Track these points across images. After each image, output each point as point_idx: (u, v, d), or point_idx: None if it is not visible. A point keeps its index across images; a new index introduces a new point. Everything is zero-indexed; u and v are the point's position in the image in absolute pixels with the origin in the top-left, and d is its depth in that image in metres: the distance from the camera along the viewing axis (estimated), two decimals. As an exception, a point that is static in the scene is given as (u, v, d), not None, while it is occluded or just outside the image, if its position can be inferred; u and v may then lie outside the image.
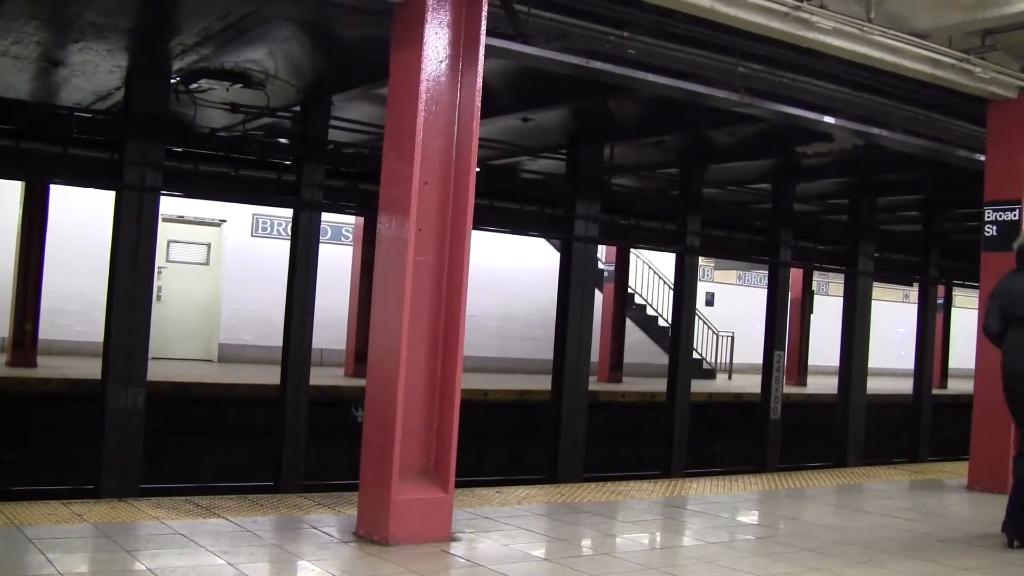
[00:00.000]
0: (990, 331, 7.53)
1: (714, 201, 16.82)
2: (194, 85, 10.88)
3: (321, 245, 11.62)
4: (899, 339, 27.23)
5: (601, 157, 13.61)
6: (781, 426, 15.68)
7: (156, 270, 10.53)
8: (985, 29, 9.22)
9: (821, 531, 7.56)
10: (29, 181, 15.05)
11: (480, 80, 6.61)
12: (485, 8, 6.65)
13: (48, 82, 11.30)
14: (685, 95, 9.72)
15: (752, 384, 17.94)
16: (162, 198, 10.41)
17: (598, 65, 8.98)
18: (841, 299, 17.05)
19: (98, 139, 10.93)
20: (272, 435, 11.46)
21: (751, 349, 20.41)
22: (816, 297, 24.91)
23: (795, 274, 21.23)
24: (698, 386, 17.21)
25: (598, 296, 18.75)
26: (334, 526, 6.80)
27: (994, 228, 10.02)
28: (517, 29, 8.27)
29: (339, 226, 20.33)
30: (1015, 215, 9.88)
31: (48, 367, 14.99)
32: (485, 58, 6.68)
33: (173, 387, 13.74)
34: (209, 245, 20.01)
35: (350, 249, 19.33)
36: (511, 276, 22.24)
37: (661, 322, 24.10)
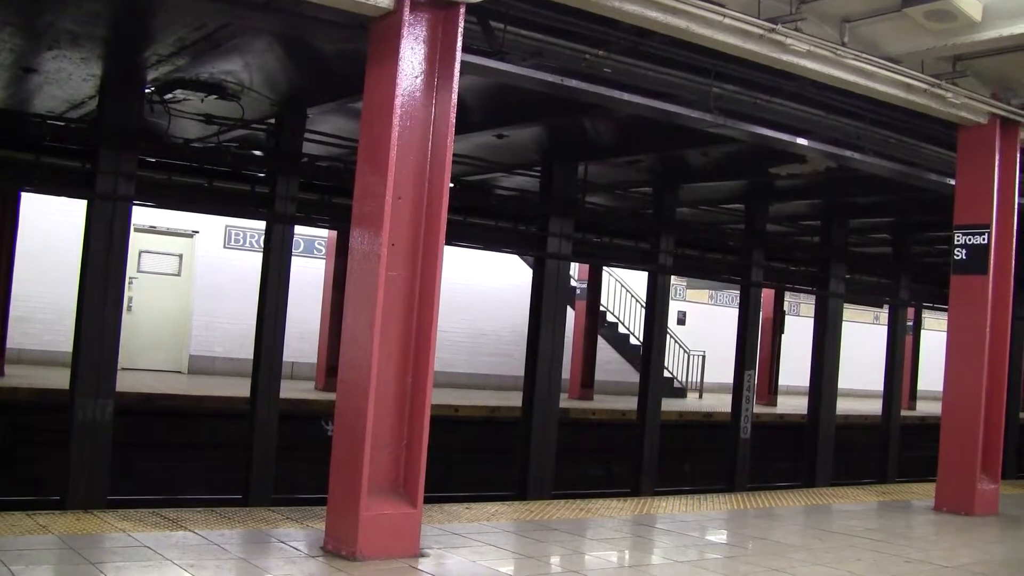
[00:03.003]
0: None
1: (687, 221, 16.87)
2: (168, 95, 10.83)
3: (293, 258, 11.58)
4: (869, 360, 27.32)
5: (575, 175, 13.64)
6: (751, 446, 15.70)
7: (127, 280, 10.45)
8: (956, 55, 9.34)
9: (789, 551, 7.58)
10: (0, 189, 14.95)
11: (455, 96, 6.63)
12: (462, 24, 6.67)
13: (21, 89, 11.23)
14: (659, 115, 9.76)
15: (723, 403, 17.98)
16: (134, 208, 10.35)
17: (573, 83, 9.01)
18: (812, 320, 17.15)
19: (71, 148, 10.86)
20: (241, 448, 11.38)
21: (722, 368, 20.46)
22: (787, 317, 25.01)
23: (767, 294, 21.33)
24: (669, 405, 17.22)
25: (570, 313, 18.77)
26: (302, 540, 6.77)
27: (964, 252, 10.11)
28: (493, 46, 8.29)
29: (311, 239, 20.28)
30: (984, 239, 9.97)
31: (16, 376, 14.85)
32: (461, 74, 6.70)
33: (141, 398, 13.65)
34: (181, 256, 19.90)
35: (322, 262, 19.28)
36: (482, 293, 22.22)
37: (633, 340, 24.12)
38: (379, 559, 6.27)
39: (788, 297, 25.39)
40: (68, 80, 10.58)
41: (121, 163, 10.07)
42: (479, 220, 13.65)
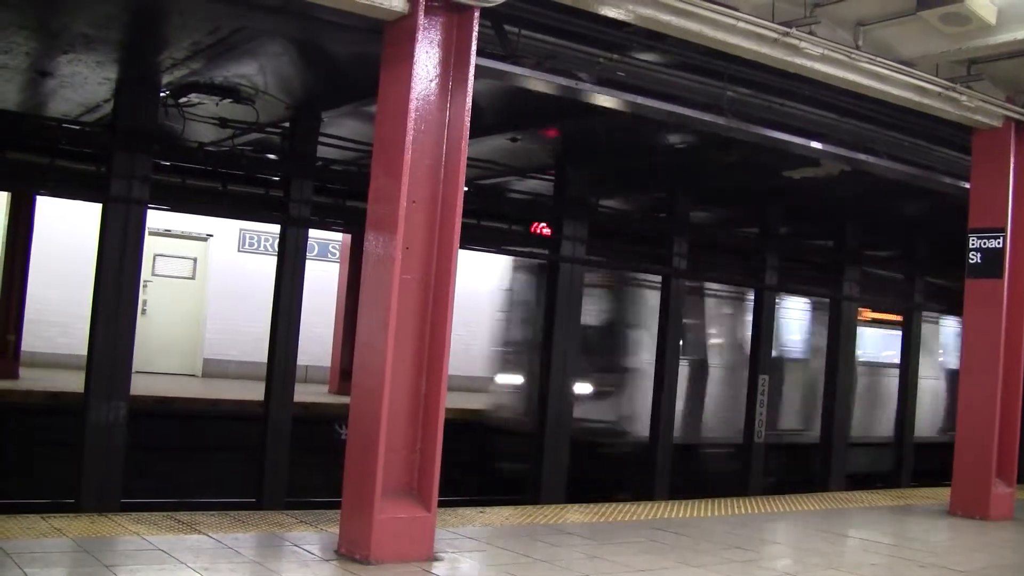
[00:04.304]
0: None
1: (701, 224, 16.80)
2: (183, 99, 10.86)
3: (308, 261, 11.59)
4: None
5: (588, 178, 13.62)
6: (765, 450, 15.61)
7: (141, 284, 10.48)
8: (971, 58, 9.31)
9: (803, 555, 7.56)
10: (15, 191, 15.02)
11: (470, 99, 6.63)
12: (476, 28, 6.67)
13: (36, 93, 11.27)
14: (672, 118, 9.74)
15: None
16: (149, 211, 10.38)
17: (587, 87, 9.01)
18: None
19: (86, 151, 10.90)
20: (255, 451, 11.40)
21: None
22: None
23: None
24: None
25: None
26: (316, 544, 6.77)
27: (978, 255, 10.07)
28: (507, 49, 8.30)
29: (326, 243, 20.29)
30: (999, 243, 9.94)
31: (30, 379, 14.91)
32: (475, 78, 6.70)
33: (155, 401, 13.68)
34: (195, 260, 19.96)
35: (336, 266, 19.29)
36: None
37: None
38: (393, 563, 6.27)
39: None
40: (83, 84, 10.62)
41: (135, 166, 10.11)
42: (493, 223, 13.67)
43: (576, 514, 8.75)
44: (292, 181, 11.36)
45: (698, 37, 7.95)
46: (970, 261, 10.16)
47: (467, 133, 6.63)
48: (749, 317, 15.69)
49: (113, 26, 8.79)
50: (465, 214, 6.77)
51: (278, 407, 11.15)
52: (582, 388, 14.06)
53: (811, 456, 16.45)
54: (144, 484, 12.34)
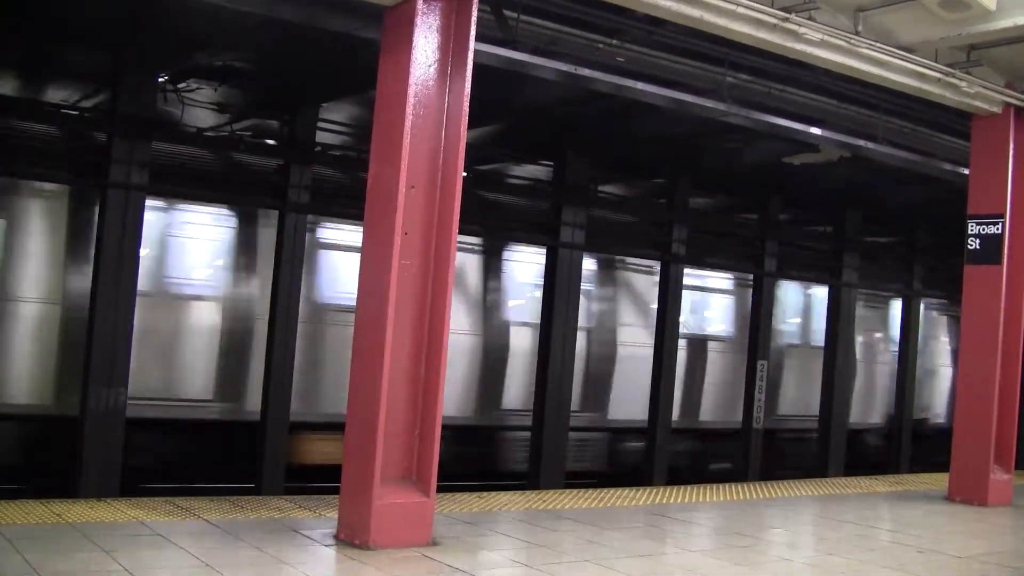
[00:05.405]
0: None
1: (700, 210, 16.78)
2: (182, 84, 10.83)
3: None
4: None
5: (588, 164, 13.59)
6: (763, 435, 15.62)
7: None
8: (970, 44, 9.30)
9: (803, 540, 7.57)
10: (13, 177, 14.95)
11: (469, 85, 6.63)
12: (475, 14, 6.66)
13: (36, 78, 11.24)
14: (673, 104, 9.72)
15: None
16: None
17: (587, 72, 8.99)
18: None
19: (85, 137, 10.85)
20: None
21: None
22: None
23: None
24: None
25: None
26: (315, 529, 6.78)
27: (977, 241, 10.07)
28: (506, 35, 8.28)
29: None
30: (998, 229, 9.93)
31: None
32: (474, 63, 6.69)
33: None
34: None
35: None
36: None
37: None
38: (392, 548, 6.28)
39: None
40: (82, 69, 10.59)
41: (135, 152, 10.09)
42: (491, 210, 13.64)
43: (573, 499, 8.76)
44: (292, 167, 11.31)
45: (698, 23, 7.93)
46: (969, 247, 10.15)
47: (466, 118, 6.62)
48: None
49: (113, 11, 8.75)
50: (463, 200, 6.74)
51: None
52: None
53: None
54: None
